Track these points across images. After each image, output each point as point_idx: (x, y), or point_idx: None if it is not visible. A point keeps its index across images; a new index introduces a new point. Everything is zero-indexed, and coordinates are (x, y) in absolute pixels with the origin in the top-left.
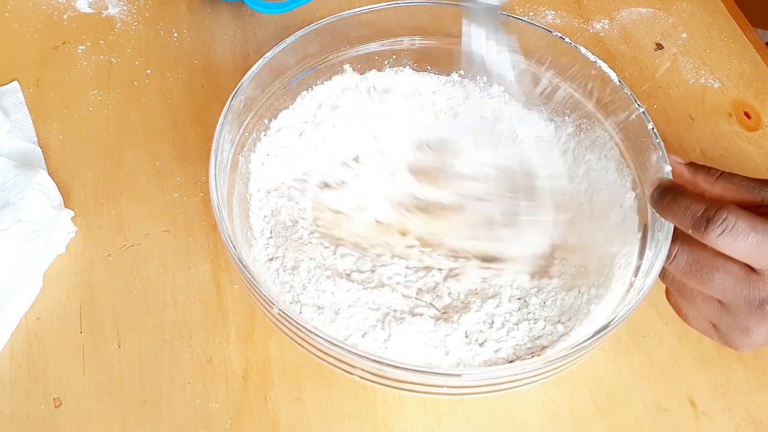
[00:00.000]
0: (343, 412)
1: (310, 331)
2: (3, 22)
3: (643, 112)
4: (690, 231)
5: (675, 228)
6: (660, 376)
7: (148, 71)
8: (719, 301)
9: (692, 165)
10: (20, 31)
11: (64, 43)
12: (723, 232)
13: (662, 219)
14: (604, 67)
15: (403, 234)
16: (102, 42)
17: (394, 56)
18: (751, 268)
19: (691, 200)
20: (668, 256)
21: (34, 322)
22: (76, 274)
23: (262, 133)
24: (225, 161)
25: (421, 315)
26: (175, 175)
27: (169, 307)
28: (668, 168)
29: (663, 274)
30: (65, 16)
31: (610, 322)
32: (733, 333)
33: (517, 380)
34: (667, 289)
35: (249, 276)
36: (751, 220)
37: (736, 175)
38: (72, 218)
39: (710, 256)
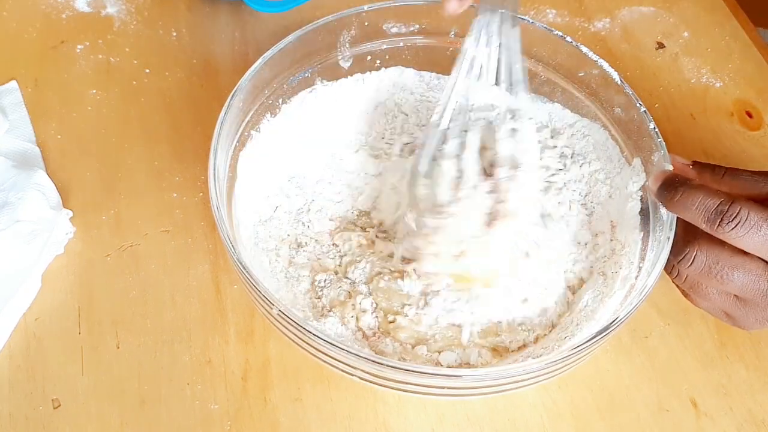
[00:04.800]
0: (343, 412)
1: (310, 332)
2: (1, 21)
3: (645, 112)
4: (703, 225)
5: (685, 230)
6: (661, 377)
7: (147, 71)
8: (735, 295)
9: (697, 165)
10: (18, 30)
11: (62, 42)
12: (737, 225)
13: (663, 219)
14: (606, 66)
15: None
16: (100, 41)
17: (394, 55)
18: (767, 263)
19: (704, 195)
20: (687, 260)
21: (32, 323)
22: (74, 274)
23: (262, 133)
24: (224, 161)
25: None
26: (174, 175)
27: (168, 308)
28: (670, 168)
29: (676, 275)
30: (64, 16)
31: (612, 322)
32: (748, 321)
33: (518, 381)
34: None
35: (248, 276)
36: (764, 213)
37: (740, 170)
38: (70, 218)
39: (729, 256)
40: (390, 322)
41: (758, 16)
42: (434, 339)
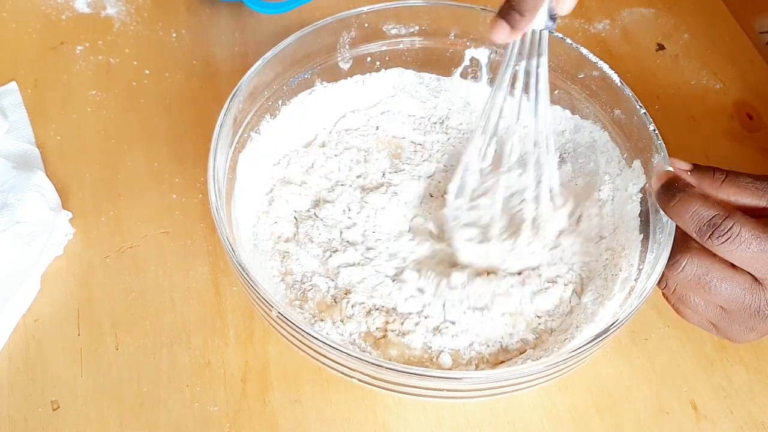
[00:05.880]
0: (343, 415)
1: (309, 334)
2: (1, 22)
3: (645, 113)
4: (694, 235)
5: (680, 238)
6: (661, 379)
7: (147, 72)
8: (721, 307)
9: (696, 170)
10: (18, 31)
11: (62, 43)
12: (727, 240)
13: (663, 221)
14: (606, 68)
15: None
16: (100, 42)
17: (394, 57)
18: (755, 278)
19: (700, 205)
20: (677, 267)
21: (31, 324)
22: (74, 275)
23: (261, 134)
24: (224, 162)
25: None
26: (174, 177)
27: (167, 310)
28: (670, 169)
29: (666, 283)
30: (63, 17)
31: (612, 324)
32: (732, 332)
33: (519, 383)
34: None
35: (248, 278)
36: (756, 230)
37: (741, 174)
38: (70, 220)
39: (719, 268)
40: (379, 339)
41: (758, 17)
42: (430, 361)
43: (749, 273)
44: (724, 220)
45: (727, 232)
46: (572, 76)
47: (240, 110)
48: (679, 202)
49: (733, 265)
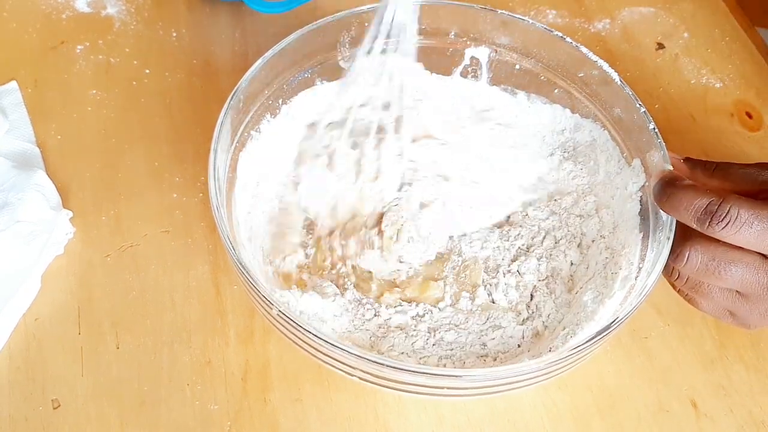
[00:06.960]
0: (343, 413)
1: (310, 332)
2: (1, 21)
3: (645, 112)
4: (694, 225)
5: (683, 229)
6: (661, 377)
7: (147, 71)
8: (737, 291)
9: (689, 160)
10: (18, 30)
11: (62, 42)
12: (727, 224)
13: (663, 219)
14: (606, 66)
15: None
16: (100, 42)
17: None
18: (765, 256)
19: (693, 195)
20: (681, 259)
21: (32, 323)
22: (74, 275)
23: (262, 133)
24: (224, 161)
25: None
26: (174, 176)
27: (167, 309)
28: (669, 168)
29: (677, 277)
30: (64, 16)
31: (612, 323)
32: (751, 317)
33: (519, 381)
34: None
35: (248, 277)
36: (754, 209)
37: (732, 164)
38: (70, 219)
39: (724, 251)
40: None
41: (758, 16)
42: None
43: (758, 253)
44: (720, 204)
45: (725, 216)
46: (572, 75)
47: (240, 109)
48: (670, 196)
49: (739, 247)
